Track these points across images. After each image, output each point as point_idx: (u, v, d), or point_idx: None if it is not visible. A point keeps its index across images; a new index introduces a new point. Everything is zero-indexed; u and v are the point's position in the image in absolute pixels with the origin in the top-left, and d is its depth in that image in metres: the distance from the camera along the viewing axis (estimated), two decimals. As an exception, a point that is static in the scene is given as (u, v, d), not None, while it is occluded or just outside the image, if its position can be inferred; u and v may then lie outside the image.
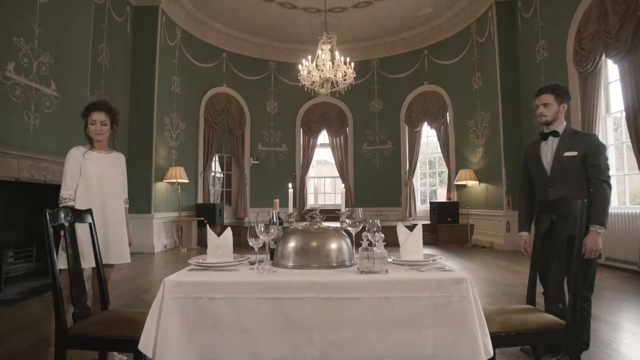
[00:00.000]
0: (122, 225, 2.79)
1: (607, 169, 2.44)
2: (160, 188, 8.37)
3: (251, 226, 1.81)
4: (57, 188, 5.43)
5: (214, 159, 10.36)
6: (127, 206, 2.91)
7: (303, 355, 1.61)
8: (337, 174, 11.44)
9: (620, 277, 5.07)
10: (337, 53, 7.62)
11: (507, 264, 6.31)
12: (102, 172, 2.70)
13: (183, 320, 1.63)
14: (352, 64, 7.89)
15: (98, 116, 2.72)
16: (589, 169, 2.44)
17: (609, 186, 2.41)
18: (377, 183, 11.00)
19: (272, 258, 1.98)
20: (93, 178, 2.68)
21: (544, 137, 2.62)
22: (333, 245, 1.92)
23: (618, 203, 6.06)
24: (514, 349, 2.66)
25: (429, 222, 9.56)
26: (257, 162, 10.97)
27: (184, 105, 9.28)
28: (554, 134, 2.57)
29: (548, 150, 2.59)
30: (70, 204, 2.55)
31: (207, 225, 2.21)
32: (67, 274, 2.06)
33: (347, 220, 2.03)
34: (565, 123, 2.61)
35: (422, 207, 10.82)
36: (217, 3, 8.93)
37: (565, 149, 2.51)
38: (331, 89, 8.04)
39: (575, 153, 2.47)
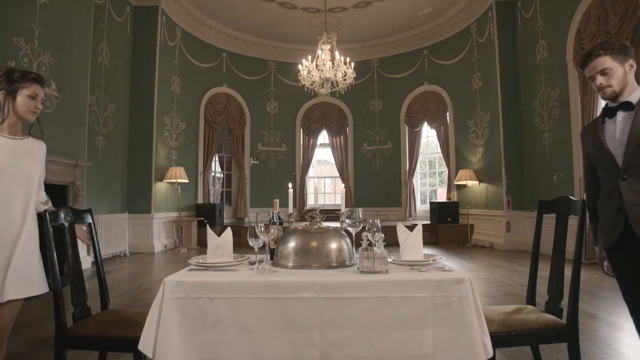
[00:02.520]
0: (32, 239, 1.98)
1: None
2: (160, 188, 8.37)
3: (251, 226, 1.81)
4: (57, 188, 5.47)
5: (214, 159, 10.36)
6: (50, 205, 2.24)
7: (303, 355, 1.61)
8: (337, 174, 11.44)
9: (620, 277, 5.07)
10: (337, 53, 7.63)
11: (507, 264, 6.31)
12: (11, 162, 1.97)
13: (183, 320, 1.63)
14: (352, 64, 7.90)
15: (40, 91, 2.05)
16: None
17: None
18: (377, 183, 11.00)
19: (272, 258, 1.98)
20: (6, 174, 1.94)
21: (611, 113, 1.84)
22: (333, 245, 1.92)
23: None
24: (514, 349, 2.66)
25: (429, 222, 9.56)
26: (257, 162, 10.97)
27: (184, 105, 9.28)
28: (627, 106, 1.79)
29: (617, 129, 1.81)
30: None
31: (207, 225, 2.21)
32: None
33: (347, 220, 2.03)
34: None
35: (422, 207, 10.82)
36: (217, 3, 8.93)
37: None
38: (331, 89, 8.04)
39: None
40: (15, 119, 2.00)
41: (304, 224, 2.07)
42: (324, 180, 12.59)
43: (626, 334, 3.08)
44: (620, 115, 1.80)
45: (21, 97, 1.97)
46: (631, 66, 1.80)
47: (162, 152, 8.50)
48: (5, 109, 1.95)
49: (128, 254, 7.45)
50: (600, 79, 1.81)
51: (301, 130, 11.32)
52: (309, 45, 9.74)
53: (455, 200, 9.60)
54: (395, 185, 10.91)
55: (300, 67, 7.89)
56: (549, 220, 2.05)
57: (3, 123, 1.97)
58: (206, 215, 8.90)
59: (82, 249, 5.71)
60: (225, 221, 9.98)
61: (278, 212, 2.15)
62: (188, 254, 7.48)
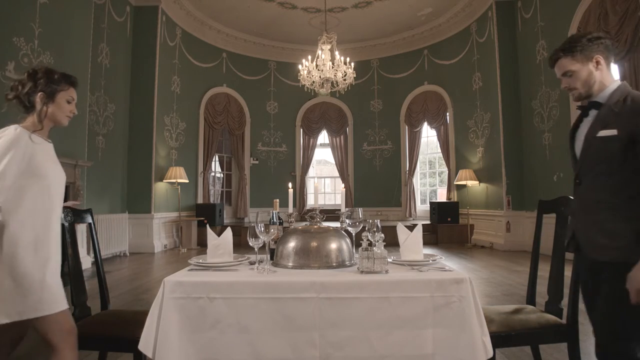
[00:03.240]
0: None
1: None
2: (160, 188, 8.37)
3: (251, 226, 1.81)
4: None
5: (214, 159, 10.36)
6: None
7: (303, 355, 1.61)
8: (337, 174, 11.44)
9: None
10: (337, 53, 7.63)
11: (507, 264, 6.31)
12: (56, 168, 1.85)
13: (183, 320, 1.64)
14: (352, 64, 7.89)
15: (75, 94, 1.95)
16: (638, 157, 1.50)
17: None
18: (377, 183, 11.00)
19: (272, 258, 1.98)
20: (52, 179, 1.81)
21: (585, 112, 1.72)
22: (333, 245, 1.92)
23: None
24: (514, 349, 2.66)
25: (429, 222, 9.56)
26: (257, 162, 10.97)
27: (184, 105, 9.28)
28: (595, 105, 1.65)
29: (584, 129, 1.68)
30: None
31: (207, 225, 2.21)
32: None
33: (347, 220, 2.03)
34: (613, 86, 1.64)
35: (422, 207, 10.82)
36: (217, 3, 8.93)
37: (602, 125, 1.59)
38: (331, 89, 8.04)
39: (614, 131, 1.54)
40: (48, 123, 1.84)
41: (304, 224, 2.07)
42: (324, 180, 12.59)
43: (626, 334, 3.07)
44: (591, 114, 1.68)
45: (59, 101, 1.84)
46: (597, 62, 1.63)
47: (162, 152, 8.50)
48: (42, 113, 1.79)
49: (128, 254, 7.45)
50: (564, 82, 1.72)
51: (301, 130, 11.32)
52: (309, 45, 9.73)
53: (455, 200, 9.60)
54: (395, 185, 10.91)
55: (300, 67, 7.89)
56: (549, 220, 2.05)
57: (37, 126, 1.79)
58: (206, 215, 8.90)
59: (82, 248, 5.71)
60: (225, 221, 9.98)
61: (278, 212, 2.15)
62: (188, 254, 7.48)
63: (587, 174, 1.63)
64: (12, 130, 1.70)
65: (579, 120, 1.73)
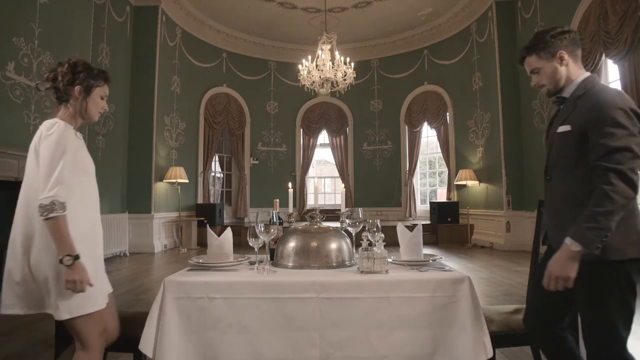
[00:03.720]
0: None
1: (626, 148, 1.38)
2: (160, 188, 8.38)
3: (251, 226, 1.81)
4: (57, 188, 5.47)
5: (214, 159, 10.36)
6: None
7: (303, 355, 1.61)
8: (337, 174, 11.44)
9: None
10: (337, 53, 7.63)
11: (507, 264, 6.31)
12: (92, 163, 1.84)
13: (183, 320, 1.64)
14: (352, 64, 7.89)
15: (108, 91, 1.92)
16: (591, 151, 1.46)
17: (625, 179, 1.36)
18: (377, 183, 11.00)
19: (272, 258, 1.98)
20: (92, 175, 1.81)
21: (559, 108, 1.70)
22: (333, 245, 1.92)
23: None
24: (514, 349, 2.66)
25: (429, 222, 9.56)
26: (257, 162, 10.97)
27: (184, 105, 9.28)
28: (563, 100, 1.66)
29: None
30: (59, 213, 1.55)
31: (207, 225, 2.21)
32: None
33: (347, 220, 2.04)
34: (579, 79, 1.62)
35: (422, 207, 10.82)
36: (217, 3, 8.93)
37: (561, 121, 1.60)
38: (331, 89, 8.04)
39: (568, 127, 1.55)
40: (78, 118, 1.79)
41: (304, 224, 2.07)
42: (324, 180, 12.59)
43: (626, 334, 3.07)
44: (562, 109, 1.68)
45: (94, 96, 1.81)
46: (561, 58, 1.61)
47: (162, 152, 8.50)
48: (82, 107, 1.77)
49: (128, 254, 7.45)
50: (534, 79, 1.72)
51: (301, 130, 11.32)
52: (309, 45, 9.73)
53: (455, 200, 9.60)
54: (395, 185, 10.91)
55: (300, 67, 7.89)
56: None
57: (72, 120, 1.76)
58: (206, 215, 8.90)
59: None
60: (225, 221, 9.98)
61: (278, 212, 2.15)
62: (188, 254, 7.48)
63: (553, 169, 1.63)
64: (60, 127, 1.65)
65: (555, 116, 1.72)
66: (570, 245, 1.40)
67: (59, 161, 1.58)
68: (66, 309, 1.60)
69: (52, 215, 1.52)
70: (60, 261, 1.54)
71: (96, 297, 1.66)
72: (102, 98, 1.85)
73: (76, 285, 1.55)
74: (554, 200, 1.62)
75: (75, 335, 1.65)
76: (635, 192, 1.38)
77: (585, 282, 1.45)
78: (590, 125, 1.47)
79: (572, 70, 1.63)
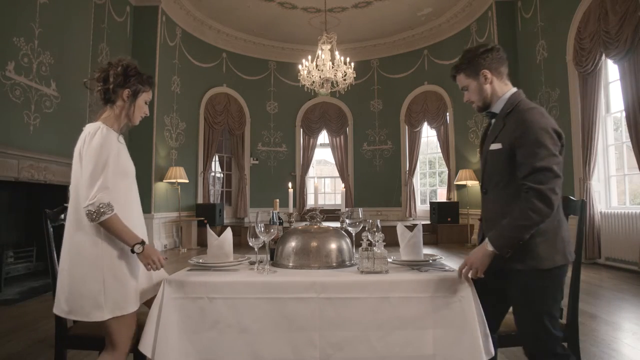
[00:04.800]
0: None
1: (547, 169, 1.51)
2: (160, 188, 8.37)
3: (251, 226, 1.81)
4: (57, 188, 5.47)
5: (214, 159, 10.36)
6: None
7: (303, 356, 1.61)
8: (337, 174, 11.43)
9: (620, 277, 5.07)
10: (337, 53, 7.63)
11: (507, 264, 6.30)
12: (132, 165, 1.89)
13: (183, 321, 1.63)
14: (352, 64, 7.89)
15: (151, 96, 1.91)
16: (518, 169, 1.57)
17: (544, 199, 1.49)
18: (377, 183, 11.00)
19: (272, 258, 1.98)
20: (132, 177, 1.86)
21: (490, 122, 1.81)
22: (333, 245, 1.92)
23: (618, 203, 6.07)
24: (514, 348, 2.66)
25: (429, 222, 9.56)
26: (257, 162, 10.97)
27: (184, 105, 9.28)
28: (495, 116, 1.75)
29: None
30: (109, 214, 1.60)
31: (207, 225, 2.21)
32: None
33: (347, 220, 2.03)
34: (507, 95, 1.71)
35: (422, 207, 10.82)
36: (217, 3, 8.93)
37: (492, 138, 1.68)
38: (331, 89, 8.04)
39: (499, 145, 1.63)
40: (122, 120, 1.81)
41: (304, 224, 2.07)
42: (324, 180, 12.59)
43: (626, 334, 3.08)
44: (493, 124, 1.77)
45: (139, 100, 1.83)
46: (485, 77, 1.70)
47: (162, 152, 8.50)
48: (130, 112, 1.80)
49: (128, 254, 7.44)
50: (465, 96, 1.81)
51: (301, 130, 11.32)
52: (309, 45, 9.73)
53: (455, 200, 9.60)
54: (395, 185, 10.90)
55: (300, 67, 7.89)
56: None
57: (116, 122, 1.79)
58: (206, 215, 8.90)
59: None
60: (225, 221, 9.98)
61: (278, 212, 2.15)
62: (188, 254, 7.48)
63: (489, 184, 1.73)
64: (102, 133, 1.68)
65: (486, 132, 1.80)
66: (487, 244, 1.56)
67: (102, 168, 1.62)
68: (110, 310, 1.63)
69: (104, 218, 1.58)
70: (132, 251, 1.64)
71: (134, 299, 1.70)
72: (145, 103, 1.87)
73: (155, 265, 1.67)
74: (490, 213, 1.72)
75: (107, 335, 1.67)
76: (552, 210, 1.51)
77: (522, 289, 1.60)
78: (517, 144, 1.56)
79: (497, 87, 1.72)
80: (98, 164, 1.62)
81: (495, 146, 1.65)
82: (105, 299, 1.62)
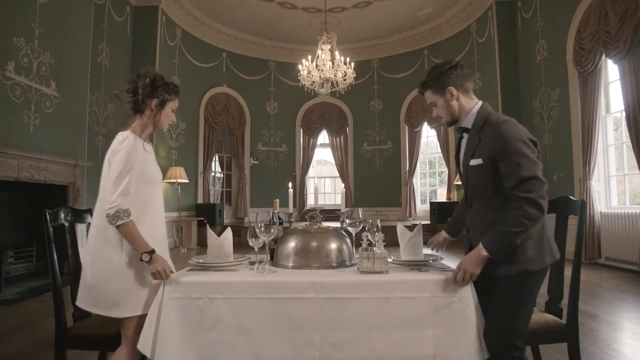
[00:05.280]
0: None
1: (533, 177, 1.56)
2: (160, 188, 8.36)
3: (251, 226, 1.81)
4: (57, 188, 5.47)
5: (214, 159, 10.35)
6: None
7: (303, 356, 1.60)
8: (337, 174, 11.43)
9: (620, 277, 5.07)
10: (337, 53, 7.62)
11: (507, 264, 6.30)
12: (158, 170, 1.97)
13: (183, 321, 1.63)
14: (352, 64, 7.89)
15: (177, 104, 2.04)
16: (504, 180, 1.62)
17: (535, 206, 1.54)
18: (377, 183, 11.00)
19: (272, 258, 1.98)
20: (158, 183, 1.92)
21: (461, 136, 1.86)
22: (333, 245, 1.92)
23: (618, 203, 6.07)
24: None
25: (429, 222, 9.56)
26: (257, 162, 10.97)
27: (184, 105, 9.23)
28: (466, 130, 1.80)
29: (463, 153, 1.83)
30: (125, 220, 1.69)
31: (207, 225, 2.21)
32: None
33: (347, 220, 2.03)
34: (475, 109, 1.77)
35: (422, 207, 10.82)
36: (217, 3, 8.93)
37: (471, 154, 1.73)
38: (331, 89, 8.03)
39: (480, 160, 1.68)
40: (148, 127, 1.92)
41: (304, 224, 2.07)
42: (324, 180, 12.59)
43: (626, 334, 3.08)
44: (464, 139, 1.82)
45: (167, 109, 1.95)
46: (451, 94, 1.77)
47: (162, 152, 8.50)
48: (158, 121, 1.91)
49: (128, 254, 7.44)
50: (434, 111, 1.87)
51: (301, 130, 11.32)
52: (309, 45, 9.73)
53: (456, 200, 9.60)
54: (395, 185, 10.91)
55: (300, 67, 7.89)
56: (549, 220, 2.04)
57: (144, 131, 1.91)
58: (206, 215, 8.90)
59: (82, 249, 5.71)
60: (225, 221, 9.97)
61: (278, 212, 2.15)
62: (188, 254, 7.48)
63: (474, 197, 1.77)
64: (130, 142, 1.78)
65: (459, 144, 1.86)
66: (481, 250, 1.60)
67: (125, 175, 1.73)
68: (127, 309, 1.73)
69: (120, 223, 1.68)
70: (140, 259, 1.70)
71: (147, 302, 1.76)
72: (172, 111, 1.99)
73: (160, 275, 1.69)
74: (477, 223, 1.77)
75: (123, 331, 1.77)
76: (544, 214, 1.58)
77: (509, 289, 1.64)
78: (498, 157, 1.62)
79: (464, 103, 1.79)
80: (123, 170, 1.72)
81: (475, 162, 1.70)
82: (123, 300, 1.72)
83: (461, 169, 1.84)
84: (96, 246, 1.77)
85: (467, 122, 1.78)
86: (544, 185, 1.58)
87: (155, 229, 1.85)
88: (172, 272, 1.74)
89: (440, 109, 1.82)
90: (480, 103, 1.79)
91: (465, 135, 1.80)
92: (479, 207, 1.75)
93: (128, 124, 1.91)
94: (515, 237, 1.57)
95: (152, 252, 1.71)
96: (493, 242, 1.59)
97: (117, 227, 1.69)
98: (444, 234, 2.15)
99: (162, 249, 1.84)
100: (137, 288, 1.75)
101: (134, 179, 1.75)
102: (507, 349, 1.61)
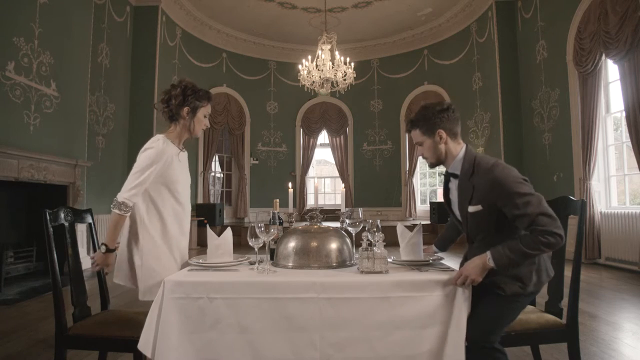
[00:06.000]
0: None
1: (543, 214, 1.58)
2: (160, 188, 8.36)
3: (251, 226, 1.81)
4: (57, 188, 5.47)
5: (214, 159, 10.35)
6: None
7: (303, 356, 1.60)
8: (337, 174, 11.43)
9: (620, 277, 5.07)
10: (337, 53, 7.63)
11: (507, 264, 6.30)
12: (185, 174, 2.08)
13: (183, 321, 1.63)
14: (352, 64, 7.89)
15: (210, 109, 2.12)
16: (516, 221, 1.64)
17: (554, 236, 1.57)
18: (377, 183, 11.00)
19: (272, 258, 1.98)
20: (178, 187, 2.01)
21: (447, 179, 1.91)
22: (333, 245, 1.91)
23: (618, 203, 6.07)
24: (514, 348, 2.66)
25: (429, 222, 9.56)
26: (257, 162, 10.97)
27: (184, 105, 9.26)
28: (454, 176, 1.84)
29: (455, 193, 1.86)
30: (122, 213, 1.85)
31: (207, 225, 2.21)
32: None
33: (347, 220, 2.03)
34: (461, 154, 1.80)
35: (422, 207, 10.82)
36: (217, 3, 8.93)
37: (467, 200, 1.75)
38: (331, 89, 8.03)
39: (479, 207, 1.71)
40: (183, 133, 2.06)
41: (304, 224, 2.07)
42: (324, 180, 12.59)
43: (626, 334, 3.08)
44: (453, 182, 1.85)
45: (199, 115, 2.05)
46: (440, 137, 1.78)
47: (162, 152, 8.49)
48: (192, 127, 2.04)
49: (128, 254, 7.44)
50: (419, 150, 1.88)
51: (301, 130, 11.32)
52: (309, 45, 9.73)
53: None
54: (395, 185, 10.91)
55: (300, 67, 7.89)
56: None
57: (178, 137, 2.05)
58: (206, 215, 8.90)
59: (82, 249, 5.71)
60: (225, 221, 9.97)
61: (278, 212, 2.15)
62: (188, 254, 7.47)
63: (475, 237, 1.82)
64: (160, 143, 1.93)
65: (447, 185, 1.92)
66: (488, 259, 1.62)
67: (145, 171, 1.86)
68: (147, 294, 1.88)
69: (116, 212, 1.84)
70: (98, 246, 1.87)
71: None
72: (205, 116, 2.08)
73: (94, 265, 1.90)
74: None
75: None
76: (563, 240, 1.60)
77: (501, 295, 1.69)
78: (501, 203, 1.65)
79: (451, 147, 1.80)
80: (144, 168, 1.86)
81: (474, 208, 1.73)
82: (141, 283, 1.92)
83: (456, 213, 1.89)
84: (128, 232, 1.96)
85: (454, 167, 1.81)
86: (555, 218, 1.60)
87: (169, 231, 1.96)
88: (106, 274, 1.93)
89: (427, 150, 1.82)
90: (464, 146, 1.82)
91: (454, 180, 1.83)
92: (481, 245, 1.78)
93: (165, 130, 2.06)
94: (526, 258, 1.61)
95: (112, 250, 1.88)
96: (504, 256, 1.61)
97: (112, 210, 1.85)
98: (434, 247, 2.21)
99: (171, 249, 1.97)
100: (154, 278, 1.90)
101: (153, 177, 1.88)
102: (485, 341, 1.65)
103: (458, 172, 1.79)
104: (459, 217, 1.86)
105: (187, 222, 2.08)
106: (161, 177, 1.92)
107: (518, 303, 1.73)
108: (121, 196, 1.85)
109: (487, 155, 1.80)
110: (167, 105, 2.01)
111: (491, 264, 1.61)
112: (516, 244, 1.60)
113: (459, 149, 1.80)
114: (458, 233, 2.15)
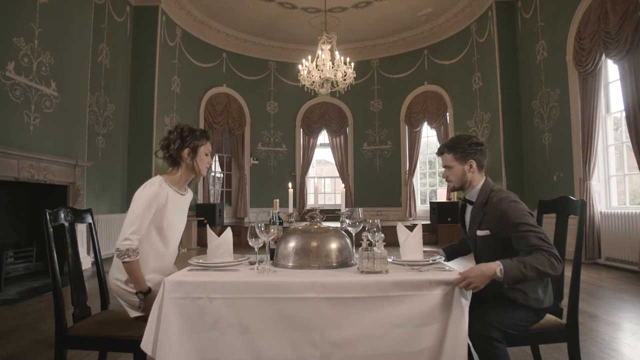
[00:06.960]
0: None
1: (544, 239, 1.71)
2: (160, 188, 8.35)
3: (251, 226, 1.81)
4: (57, 188, 5.47)
5: (214, 159, 10.35)
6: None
7: (303, 355, 1.61)
8: (337, 174, 11.43)
9: (620, 277, 5.07)
10: (337, 53, 7.62)
11: (507, 264, 6.29)
12: (176, 219, 2.09)
13: (183, 320, 1.63)
14: (352, 64, 7.89)
15: (210, 147, 2.16)
16: (522, 245, 1.75)
17: (557, 260, 1.68)
18: (377, 183, 11.00)
19: (272, 258, 1.98)
20: (170, 231, 2.05)
21: (464, 204, 2.08)
22: (333, 245, 1.91)
23: (618, 203, 6.07)
24: (514, 348, 2.66)
25: (429, 222, 9.56)
26: (257, 162, 10.97)
27: (184, 105, 9.28)
28: (471, 202, 2.00)
29: (468, 221, 2.04)
30: (132, 258, 1.88)
31: (207, 225, 2.21)
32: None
33: (347, 220, 2.03)
34: (480, 185, 1.96)
35: (422, 207, 10.82)
36: (217, 3, 8.93)
37: (477, 225, 1.93)
38: (331, 89, 8.03)
39: (487, 232, 1.88)
40: (188, 174, 2.11)
41: (304, 224, 2.07)
42: (324, 180, 12.58)
43: (626, 334, 3.08)
44: (469, 207, 2.03)
45: (200, 154, 2.09)
46: (470, 166, 1.95)
47: (162, 152, 8.48)
48: (196, 167, 2.09)
49: (128, 254, 7.43)
50: (445, 172, 2.03)
51: (301, 130, 11.32)
52: (309, 45, 9.73)
53: (455, 200, 9.59)
54: (395, 185, 10.91)
55: (300, 67, 7.89)
56: (549, 220, 2.05)
57: (180, 180, 2.09)
58: (206, 215, 8.90)
59: (82, 249, 5.72)
60: (225, 221, 9.97)
61: (278, 212, 2.15)
62: (188, 254, 7.48)
63: (481, 258, 1.94)
64: (156, 186, 1.97)
65: (463, 209, 2.10)
66: (497, 269, 1.65)
67: (141, 216, 1.90)
68: (135, 313, 1.96)
69: (126, 260, 1.86)
70: (136, 294, 1.90)
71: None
72: (206, 154, 2.12)
73: (141, 310, 1.93)
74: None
75: None
76: (560, 269, 1.71)
77: (500, 313, 1.76)
78: (508, 231, 1.79)
79: (475, 177, 1.98)
80: (139, 211, 1.89)
81: (482, 232, 1.90)
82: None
83: (467, 234, 2.06)
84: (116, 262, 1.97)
85: (472, 195, 1.98)
86: (556, 250, 1.72)
87: (153, 272, 2.00)
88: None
89: (454, 175, 1.98)
90: (484, 179, 1.99)
91: (469, 206, 2.02)
92: None
93: (166, 171, 2.11)
94: (535, 273, 1.66)
95: (148, 291, 1.87)
96: (514, 268, 1.65)
97: (123, 262, 1.86)
98: (441, 251, 2.24)
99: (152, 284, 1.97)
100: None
101: (147, 221, 1.92)
102: (485, 330, 1.69)
103: (474, 200, 1.96)
104: (470, 239, 2.03)
105: (169, 259, 2.12)
106: (154, 219, 1.96)
107: (520, 310, 1.79)
108: (122, 245, 1.87)
109: (503, 189, 1.94)
110: (167, 151, 2.06)
111: (500, 275, 1.65)
112: (527, 258, 1.67)
113: (480, 179, 1.98)
114: (468, 250, 2.23)
